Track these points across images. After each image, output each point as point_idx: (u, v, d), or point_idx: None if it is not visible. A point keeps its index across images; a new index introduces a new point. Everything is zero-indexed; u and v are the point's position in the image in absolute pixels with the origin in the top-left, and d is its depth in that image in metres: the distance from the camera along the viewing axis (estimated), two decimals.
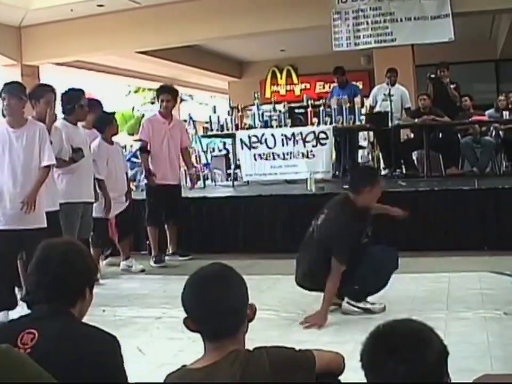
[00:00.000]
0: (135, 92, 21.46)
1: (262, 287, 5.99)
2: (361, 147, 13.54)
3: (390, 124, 9.77)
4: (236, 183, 10.35)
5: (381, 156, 11.05)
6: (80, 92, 6.45)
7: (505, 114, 9.42)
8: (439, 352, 1.58)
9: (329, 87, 14.28)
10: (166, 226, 7.82)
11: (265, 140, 9.39)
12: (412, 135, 10.92)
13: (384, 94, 10.31)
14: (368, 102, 10.99)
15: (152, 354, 4.18)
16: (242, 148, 9.55)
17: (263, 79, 18.93)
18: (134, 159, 13.16)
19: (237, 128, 9.83)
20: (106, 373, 2.10)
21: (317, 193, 8.14)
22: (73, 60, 13.74)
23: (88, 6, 11.63)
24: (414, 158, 10.37)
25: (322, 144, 9.09)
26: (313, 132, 9.15)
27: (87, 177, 6.43)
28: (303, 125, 9.50)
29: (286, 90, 18.92)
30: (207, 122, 10.48)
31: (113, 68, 16.26)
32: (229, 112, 10.29)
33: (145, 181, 7.83)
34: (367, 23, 10.71)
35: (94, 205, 6.62)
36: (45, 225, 5.26)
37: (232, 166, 10.88)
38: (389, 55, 11.31)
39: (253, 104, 10.26)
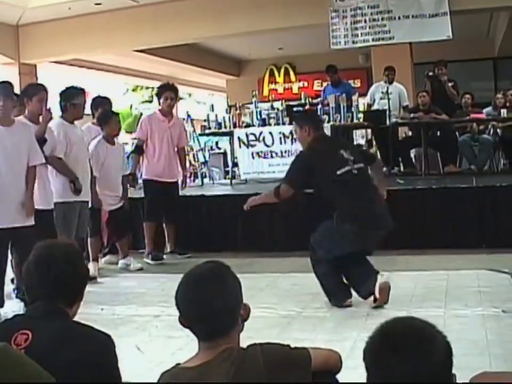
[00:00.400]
0: (133, 90, 21.44)
1: (261, 285, 5.99)
2: (359, 145, 13.56)
3: (388, 122, 9.76)
4: (233, 181, 10.35)
5: (379, 154, 11.04)
6: (76, 90, 6.44)
7: (503, 112, 9.42)
8: (444, 351, 1.56)
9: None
10: (164, 224, 7.83)
11: (263, 138, 9.39)
12: (410, 133, 10.92)
13: (382, 92, 10.30)
14: (366, 100, 10.99)
15: (150, 352, 4.18)
16: (240, 146, 9.56)
17: (261, 77, 18.93)
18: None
19: (234, 126, 9.83)
20: (104, 373, 2.10)
21: None
22: (71, 58, 13.72)
23: (85, 4, 11.61)
24: (412, 156, 10.37)
25: None
26: None
27: (84, 176, 6.43)
28: None
29: (284, 89, 18.92)
30: (205, 121, 10.47)
31: (111, 66, 16.25)
32: (227, 110, 10.27)
33: (143, 177, 7.83)
34: (365, 21, 10.70)
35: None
36: (33, 222, 5.28)
37: (230, 164, 10.87)
38: (387, 53, 11.32)
39: (251, 102, 10.25)
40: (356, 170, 5.02)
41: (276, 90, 18.62)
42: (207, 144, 14.97)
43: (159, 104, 7.84)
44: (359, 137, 13.88)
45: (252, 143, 9.45)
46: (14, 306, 5.23)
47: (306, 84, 18.65)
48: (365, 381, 1.62)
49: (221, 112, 10.49)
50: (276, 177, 9.49)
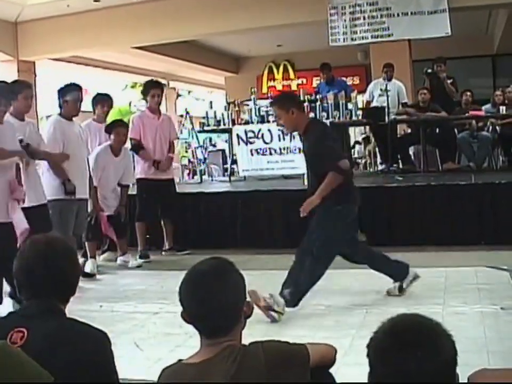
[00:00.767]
0: (132, 87, 21.42)
1: (259, 282, 5.97)
2: (358, 142, 13.56)
3: (386, 119, 9.76)
4: (232, 178, 10.34)
5: (377, 151, 11.05)
6: (69, 87, 6.41)
7: (502, 109, 9.43)
8: (450, 350, 1.56)
9: None
10: (161, 221, 7.82)
11: (262, 135, 9.38)
12: (409, 130, 10.93)
13: (381, 89, 10.30)
14: (365, 97, 10.99)
15: (149, 349, 4.18)
16: (239, 143, 9.55)
17: (259, 74, 18.91)
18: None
19: (233, 123, 9.82)
20: (100, 371, 2.10)
21: None
22: (69, 55, 13.69)
23: (84, 1, 11.61)
24: (411, 153, 10.37)
25: None
26: None
27: (81, 174, 6.42)
28: None
29: (283, 86, 18.88)
30: (203, 118, 10.46)
31: (110, 63, 16.22)
32: (225, 107, 10.25)
33: (137, 176, 7.79)
34: (364, 18, 10.70)
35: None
36: (11, 219, 5.23)
37: (229, 161, 10.87)
38: (386, 50, 11.30)
39: (250, 100, 10.24)
40: None
41: (275, 87, 18.58)
42: (205, 141, 14.97)
43: (146, 101, 7.84)
44: (358, 134, 13.90)
45: (250, 140, 9.44)
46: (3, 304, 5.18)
47: (305, 81, 18.62)
48: (363, 377, 1.62)
49: (219, 109, 10.48)
50: (274, 174, 9.53)
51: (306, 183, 8.25)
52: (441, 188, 7.64)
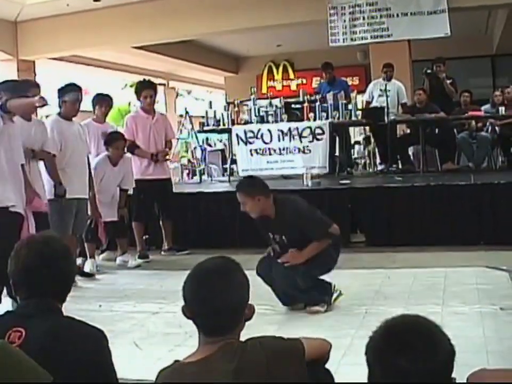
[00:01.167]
0: (131, 86, 21.43)
1: (259, 282, 5.98)
2: (357, 142, 13.56)
3: (386, 119, 9.76)
4: (232, 178, 10.34)
5: (377, 151, 11.06)
6: (68, 87, 6.39)
7: (501, 109, 9.42)
8: (448, 352, 1.56)
9: None
10: (160, 221, 7.82)
11: (262, 135, 9.37)
12: (408, 131, 10.93)
13: (381, 89, 10.30)
14: (364, 98, 10.99)
15: (148, 349, 4.18)
16: (238, 143, 9.54)
17: (259, 74, 18.91)
18: None
19: (233, 123, 9.82)
20: (98, 370, 2.10)
21: (313, 188, 8.15)
22: (69, 54, 13.69)
23: (84, 1, 11.59)
24: (410, 153, 10.37)
25: (318, 140, 9.07)
26: (310, 127, 9.14)
27: (80, 174, 6.41)
28: (299, 120, 9.48)
29: (283, 86, 18.89)
30: (203, 117, 10.46)
31: (109, 63, 16.23)
32: (225, 107, 10.25)
33: (134, 177, 7.75)
34: (364, 18, 10.70)
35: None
36: None
37: (229, 161, 10.87)
38: (385, 50, 11.31)
39: (249, 99, 10.24)
40: None
41: (274, 87, 18.59)
42: (205, 141, 14.97)
43: (140, 102, 7.83)
44: (358, 134, 13.90)
45: (250, 140, 9.43)
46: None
47: (304, 81, 18.62)
48: (363, 377, 1.62)
49: (219, 109, 10.48)
50: (274, 174, 9.52)
51: (305, 183, 8.33)
52: (440, 188, 7.64)
